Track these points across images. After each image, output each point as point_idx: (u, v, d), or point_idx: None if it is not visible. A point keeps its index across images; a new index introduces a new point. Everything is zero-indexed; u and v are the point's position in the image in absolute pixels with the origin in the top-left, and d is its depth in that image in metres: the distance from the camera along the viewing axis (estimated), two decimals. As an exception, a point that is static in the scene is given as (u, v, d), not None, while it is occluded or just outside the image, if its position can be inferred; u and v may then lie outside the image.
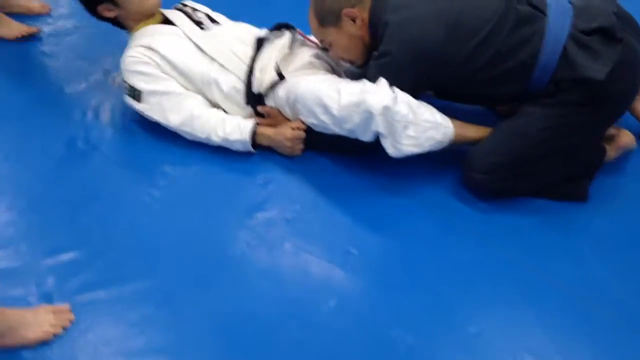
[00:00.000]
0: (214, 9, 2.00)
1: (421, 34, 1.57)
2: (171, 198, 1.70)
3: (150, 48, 1.80)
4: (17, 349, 1.32)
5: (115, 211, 1.65)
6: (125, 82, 1.83)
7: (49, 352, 1.33)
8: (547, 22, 1.57)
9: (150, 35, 1.83)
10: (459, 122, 1.68)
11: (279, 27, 1.92)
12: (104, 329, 1.39)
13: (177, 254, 1.55)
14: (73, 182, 1.73)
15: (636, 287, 1.54)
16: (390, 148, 1.62)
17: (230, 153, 1.80)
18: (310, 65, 1.85)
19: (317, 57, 1.89)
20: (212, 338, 1.39)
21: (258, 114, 1.83)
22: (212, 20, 1.92)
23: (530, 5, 1.60)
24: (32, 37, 2.22)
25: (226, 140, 1.78)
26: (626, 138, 1.82)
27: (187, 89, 1.82)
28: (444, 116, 1.65)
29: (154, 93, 1.79)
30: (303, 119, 1.74)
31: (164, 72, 1.80)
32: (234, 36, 1.88)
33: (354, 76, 1.79)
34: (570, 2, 1.62)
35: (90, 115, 1.94)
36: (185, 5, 1.96)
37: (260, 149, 1.81)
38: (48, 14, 2.35)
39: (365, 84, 1.61)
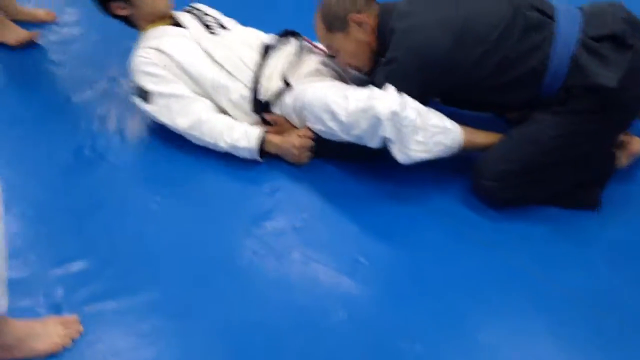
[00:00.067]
0: (221, 13, 2.00)
1: (427, 42, 1.57)
2: (178, 206, 1.70)
3: (158, 50, 1.79)
4: (26, 361, 1.31)
5: (122, 219, 1.65)
6: (133, 82, 1.83)
7: (58, 364, 1.33)
8: (556, 28, 1.56)
9: (158, 37, 1.83)
10: (468, 128, 1.67)
11: (285, 34, 1.92)
12: (113, 340, 1.38)
13: (184, 263, 1.55)
14: (80, 190, 1.73)
15: (648, 297, 1.53)
16: (399, 154, 1.61)
17: (237, 161, 1.80)
18: (317, 73, 1.85)
19: (324, 64, 1.88)
20: (221, 348, 1.38)
21: (265, 122, 1.82)
22: (221, 25, 1.91)
23: (539, 11, 1.59)
24: (37, 45, 2.22)
25: (233, 147, 1.77)
26: (638, 145, 1.81)
27: (195, 92, 1.81)
28: (452, 122, 1.65)
29: (162, 95, 1.78)
30: (310, 126, 1.74)
31: (172, 74, 1.79)
32: (242, 41, 1.87)
33: (361, 83, 1.78)
34: (579, 8, 1.61)
35: (96, 123, 1.94)
36: (196, 8, 1.95)
37: (266, 157, 1.80)
38: (54, 22, 2.36)
39: (372, 90, 1.61)
